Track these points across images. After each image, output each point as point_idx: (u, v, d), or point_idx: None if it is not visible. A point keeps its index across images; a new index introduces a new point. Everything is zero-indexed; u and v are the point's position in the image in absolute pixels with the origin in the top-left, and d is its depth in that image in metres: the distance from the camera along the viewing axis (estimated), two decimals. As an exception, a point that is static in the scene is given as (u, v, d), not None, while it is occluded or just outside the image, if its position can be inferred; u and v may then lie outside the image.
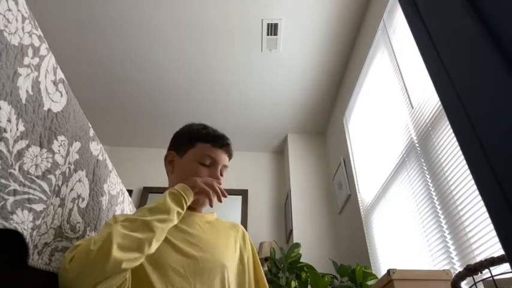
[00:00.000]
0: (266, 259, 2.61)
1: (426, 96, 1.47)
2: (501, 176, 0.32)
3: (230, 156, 0.98)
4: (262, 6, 2.29)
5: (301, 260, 2.16)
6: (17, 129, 0.59)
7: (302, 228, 2.83)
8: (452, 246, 1.25)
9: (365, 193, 2.28)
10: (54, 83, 0.72)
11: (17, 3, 0.61)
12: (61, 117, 0.73)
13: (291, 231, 2.85)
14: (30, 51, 0.64)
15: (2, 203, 0.55)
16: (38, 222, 0.64)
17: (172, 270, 0.73)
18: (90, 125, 0.91)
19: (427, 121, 1.46)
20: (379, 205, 2.00)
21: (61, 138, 0.73)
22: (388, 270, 1.13)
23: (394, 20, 1.84)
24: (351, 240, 2.49)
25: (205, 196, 0.83)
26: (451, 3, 0.41)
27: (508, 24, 0.33)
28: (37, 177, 0.64)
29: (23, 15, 0.62)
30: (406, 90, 1.66)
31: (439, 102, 0.95)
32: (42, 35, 0.69)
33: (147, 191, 3.30)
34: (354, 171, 2.49)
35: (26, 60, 0.63)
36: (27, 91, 0.62)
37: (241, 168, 3.50)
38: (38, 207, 0.64)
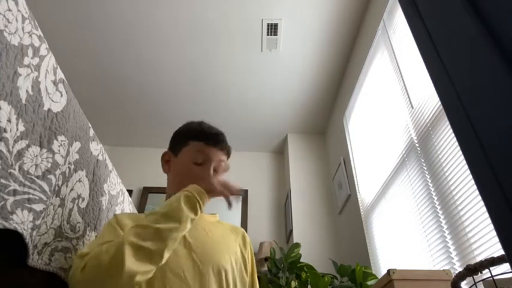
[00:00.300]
0: (266, 259, 2.60)
1: (426, 96, 1.47)
2: (501, 176, 0.32)
3: (227, 152, 0.96)
4: (262, 6, 2.29)
5: (301, 260, 2.15)
6: (17, 129, 0.59)
7: (302, 228, 2.83)
8: (452, 246, 1.25)
9: (365, 193, 2.28)
10: (54, 83, 0.72)
11: (17, 3, 0.61)
12: (61, 117, 0.73)
13: (291, 231, 2.85)
14: (30, 51, 0.64)
15: (2, 203, 0.55)
16: (37, 222, 0.64)
17: (172, 273, 0.73)
18: (90, 125, 0.91)
19: (427, 121, 1.46)
20: (379, 205, 2.00)
21: (61, 138, 0.73)
22: (388, 270, 1.13)
23: (394, 20, 1.84)
24: (351, 240, 2.49)
25: (224, 197, 0.81)
26: (451, 3, 0.41)
27: (508, 24, 0.33)
28: (37, 177, 0.64)
29: (23, 15, 0.62)
30: (406, 90, 1.66)
31: (439, 102, 0.95)
32: (42, 35, 0.69)
33: (147, 191, 3.30)
34: (354, 171, 2.49)
35: (26, 60, 0.63)
36: (27, 91, 0.62)
37: (241, 168, 3.50)
38: (38, 207, 0.64)
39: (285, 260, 2.13)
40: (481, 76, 0.36)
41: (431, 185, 1.42)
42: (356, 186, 2.42)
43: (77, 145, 0.81)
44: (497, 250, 1.01)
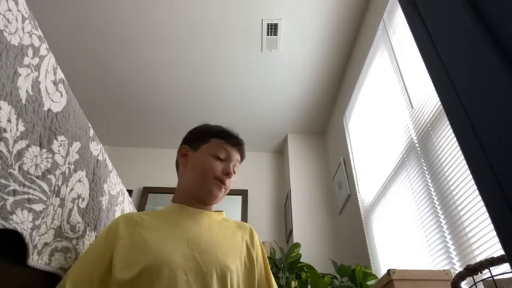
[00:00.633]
0: (266, 259, 2.60)
1: (426, 96, 1.47)
2: (501, 176, 0.32)
3: (242, 156, 1.00)
4: (262, 6, 2.29)
5: (301, 260, 2.16)
6: (17, 129, 0.59)
7: (302, 228, 2.83)
8: (452, 246, 1.25)
9: (365, 193, 2.28)
10: (54, 83, 0.72)
11: (17, 3, 0.61)
12: (61, 117, 0.73)
13: (291, 231, 2.85)
14: (30, 51, 0.64)
15: (2, 203, 0.55)
16: (37, 222, 0.64)
17: (174, 274, 0.71)
18: (90, 125, 0.91)
19: (427, 121, 1.46)
20: (379, 205, 2.00)
21: (61, 138, 0.73)
22: (388, 270, 1.13)
23: (394, 20, 1.84)
24: (351, 240, 2.49)
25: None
26: (451, 3, 0.41)
27: (508, 24, 0.33)
28: (37, 177, 0.64)
29: (23, 15, 0.62)
30: (406, 90, 1.66)
31: (439, 102, 0.95)
32: (42, 35, 0.69)
33: (147, 191, 3.30)
34: (354, 171, 2.49)
35: (26, 60, 0.63)
36: (27, 91, 0.62)
37: (241, 168, 3.49)
38: (38, 207, 0.64)
39: (285, 260, 2.13)
40: (481, 76, 0.36)
41: (431, 185, 1.42)
42: (356, 186, 2.41)
43: (77, 145, 0.81)
44: (497, 250, 1.01)
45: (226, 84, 2.91)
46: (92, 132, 0.91)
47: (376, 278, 1.71)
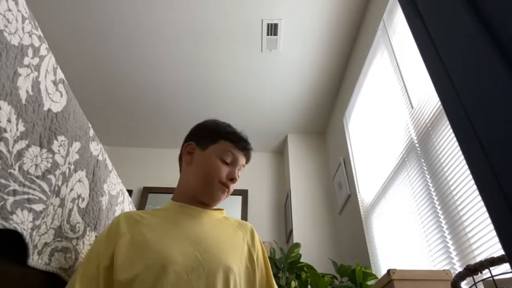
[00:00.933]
0: (266, 259, 2.60)
1: (426, 96, 1.47)
2: (501, 176, 0.32)
3: (248, 160, 0.98)
4: (262, 6, 2.29)
5: (301, 260, 2.16)
6: (17, 129, 0.59)
7: (302, 228, 2.83)
8: (452, 246, 1.25)
9: (365, 193, 2.28)
10: (54, 83, 0.72)
11: (17, 3, 0.61)
12: (61, 117, 0.73)
13: (291, 231, 2.85)
14: (30, 51, 0.64)
15: (2, 203, 0.55)
16: (37, 222, 0.64)
17: (176, 274, 0.70)
18: (90, 125, 0.91)
19: (427, 121, 1.46)
20: (379, 205, 2.00)
21: (61, 138, 0.73)
22: (388, 270, 1.13)
23: (394, 20, 1.84)
24: (351, 240, 2.49)
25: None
26: (451, 3, 0.41)
27: (508, 24, 0.33)
28: (37, 177, 0.64)
29: (23, 15, 0.62)
30: (406, 90, 1.66)
31: (439, 102, 0.95)
32: (42, 35, 0.69)
33: (147, 191, 3.30)
34: (354, 171, 2.49)
35: (26, 60, 0.63)
36: (27, 91, 0.62)
37: (241, 168, 3.50)
38: (38, 207, 0.64)
39: (285, 260, 2.13)
40: (481, 76, 0.36)
41: (431, 185, 1.42)
42: (356, 186, 2.41)
43: (76, 145, 0.81)
44: (497, 250, 1.01)
45: (226, 84, 2.91)
46: (92, 132, 0.91)
47: (376, 278, 1.71)
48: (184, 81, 2.89)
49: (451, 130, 1.17)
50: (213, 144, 0.92)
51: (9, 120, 0.57)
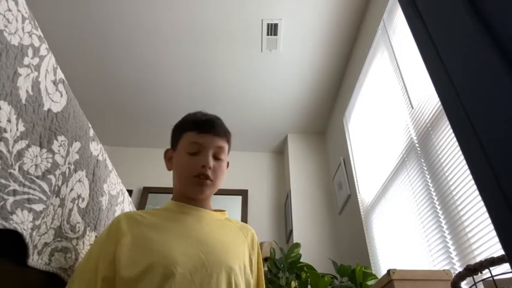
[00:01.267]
0: (266, 259, 2.60)
1: (426, 96, 1.47)
2: (501, 176, 0.32)
3: (224, 136, 0.92)
4: (262, 6, 2.29)
5: (301, 260, 2.15)
6: (17, 129, 0.59)
7: (302, 228, 2.83)
8: (452, 246, 1.25)
9: (365, 193, 2.28)
10: (54, 83, 0.72)
11: (17, 3, 0.61)
12: (61, 117, 0.73)
13: (291, 231, 2.85)
14: (30, 51, 0.64)
15: (2, 203, 0.55)
16: (37, 222, 0.64)
17: (179, 274, 0.70)
18: (90, 125, 0.91)
19: (427, 121, 1.46)
20: (379, 205, 2.00)
21: (61, 138, 0.73)
22: (388, 271, 1.13)
23: (394, 20, 1.84)
24: (351, 240, 2.49)
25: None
26: (451, 3, 0.41)
27: (508, 24, 0.33)
28: (37, 177, 0.64)
29: (23, 15, 0.62)
30: (406, 90, 1.66)
31: (439, 102, 0.95)
32: (42, 35, 0.69)
33: (147, 191, 3.31)
34: (354, 171, 2.49)
35: (26, 60, 0.63)
36: (27, 91, 0.62)
37: (241, 168, 3.50)
38: (38, 207, 0.64)
39: (285, 260, 2.13)
40: (481, 76, 0.36)
41: (431, 185, 1.42)
42: (356, 186, 2.41)
43: (76, 145, 0.81)
44: (497, 250, 1.01)
45: (226, 84, 2.91)
46: (92, 132, 0.91)
47: (376, 278, 1.71)
48: (184, 81, 2.89)
49: (451, 130, 1.17)
50: (180, 141, 0.91)
51: (9, 120, 0.57)
